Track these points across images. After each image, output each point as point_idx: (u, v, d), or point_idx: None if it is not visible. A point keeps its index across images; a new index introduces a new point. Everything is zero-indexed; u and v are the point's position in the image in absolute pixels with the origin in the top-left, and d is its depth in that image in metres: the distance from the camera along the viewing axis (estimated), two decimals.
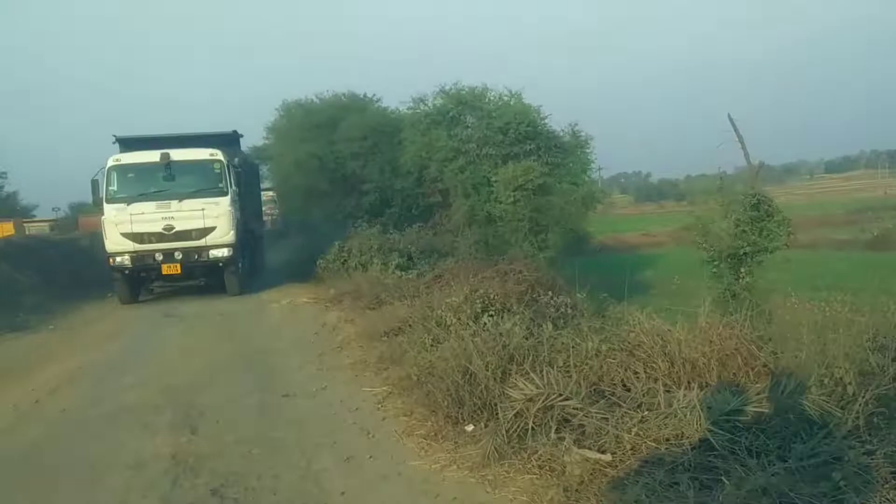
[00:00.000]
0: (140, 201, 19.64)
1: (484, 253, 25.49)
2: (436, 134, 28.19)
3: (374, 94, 35.01)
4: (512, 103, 28.67)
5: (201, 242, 19.71)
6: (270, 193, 37.86)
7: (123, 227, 19.51)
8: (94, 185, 20.01)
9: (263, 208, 34.94)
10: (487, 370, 7.79)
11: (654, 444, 5.89)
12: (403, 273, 20.14)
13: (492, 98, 29.17)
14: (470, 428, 7.17)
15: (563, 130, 28.91)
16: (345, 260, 21.37)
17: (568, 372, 7.47)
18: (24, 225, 43.91)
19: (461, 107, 29.22)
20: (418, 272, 20.51)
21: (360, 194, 31.98)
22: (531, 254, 22.17)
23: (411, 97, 30.14)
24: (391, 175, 30.69)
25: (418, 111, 29.72)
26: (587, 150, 28.43)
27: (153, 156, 19.79)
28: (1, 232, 37.41)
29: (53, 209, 58.70)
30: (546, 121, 28.43)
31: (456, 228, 28.20)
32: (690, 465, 5.38)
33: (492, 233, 27.06)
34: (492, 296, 11.89)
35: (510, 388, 7.14)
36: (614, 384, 7.31)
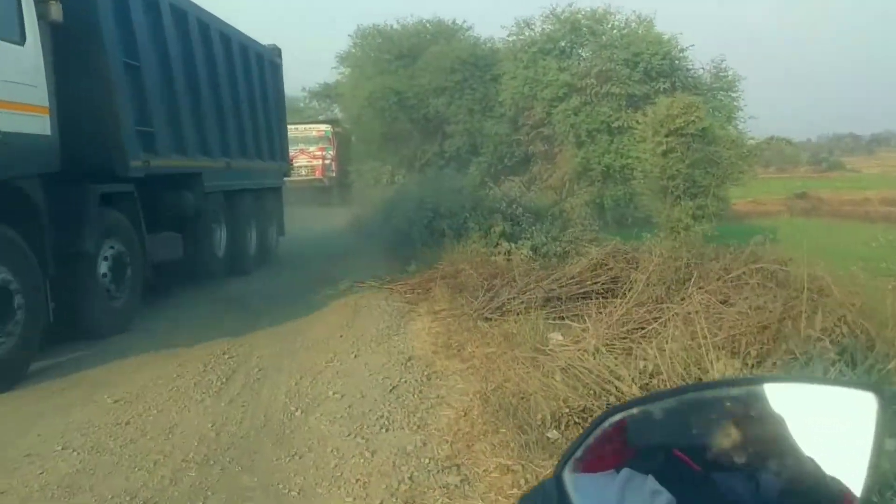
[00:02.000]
0: None
1: (598, 219, 18.81)
2: (543, 66, 21.24)
3: (463, 21, 28.09)
4: (640, 31, 21.51)
5: None
6: (323, 128, 29.19)
7: None
8: None
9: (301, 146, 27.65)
10: None
11: None
12: (513, 246, 13.58)
13: (616, 24, 22.01)
14: None
15: (703, 67, 21.67)
16: (429, 221, 14.78)
17: None
18: None
19: (575, 35, 22.16)
20: (534, 245, 13.92)
21: (443, 138, 25.40)
22: (685, 225, 15.29)
23: (514, 21, 23.11)
24: (481, 116, 23.99)
25: (522, 38, 22.73)
26: (733, 94, 21.12)
27: None
28: None
29: None
30: (685, 54, 21.19)
31: (560, 185, 21.43)
32: None
33: (613, 193, 20.21)
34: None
35: None
36: None
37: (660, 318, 6.46)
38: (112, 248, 8.06)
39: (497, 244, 13.44)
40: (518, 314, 7.87)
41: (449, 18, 28.04)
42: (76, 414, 5.57)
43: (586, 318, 7.31)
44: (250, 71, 13.33)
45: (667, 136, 15.31)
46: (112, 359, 6.92)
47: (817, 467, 0.98)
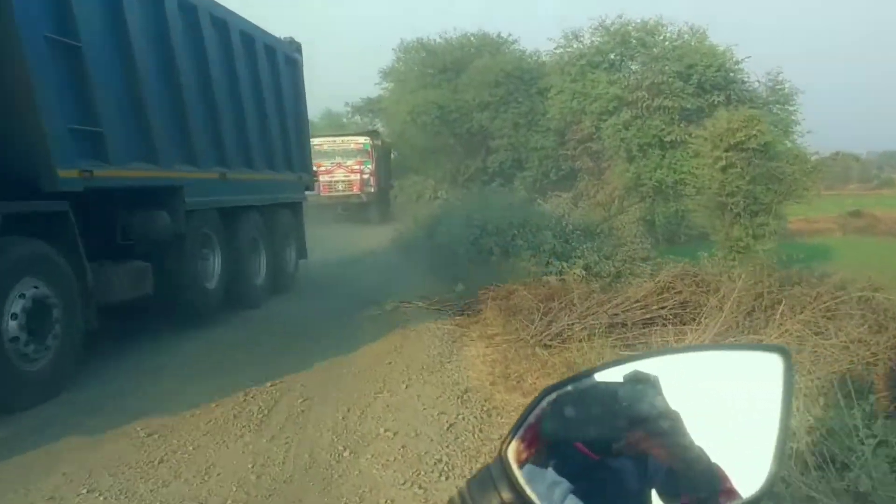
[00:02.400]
0: None
1: (649, 236, 18.07)
2: (592, 79, 20.61)
3: (508, 34, 27.64)
4: (693, 43, 20.78)
5: None
6: (361, 141, 26.44)
7: None
8: None
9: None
10: None
11: None
12: (564, 265, 12.92)
13: (667, 35, 21.30)
14: None
15: (758, 80, 20.83)
16: (475, 239, 14.19)
17: None
18: None
19: (624, 47, 21.50)
20: (587, 265, 13.25)
21: (486, 152, 24.92)
22: (745, 245, 14.50)
23: (561, 33, 22.54)
24: (526, 131, 23.51)
25: (570, 50, 22.13)
26: (791, 108, 20.24)
27: None
28: None
29: None
30: (740, 66, 20.38)
31: (609, 202, 20.73)
32: None
33: (665, 210, 19.44)
34: None
35: None
36: None
37: None
38: (28, 293, 5.92)
39: (548, 263, 12.83)
40: (580, 341, 7.24)
41: (493, 32, 27.61)
42: (107, 448, 5.08)
43: (659, 347, 6.68)
44: (256, 64, 11.03)
45: (726, 150, 14.59)
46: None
47: (702, 452, 0.99)
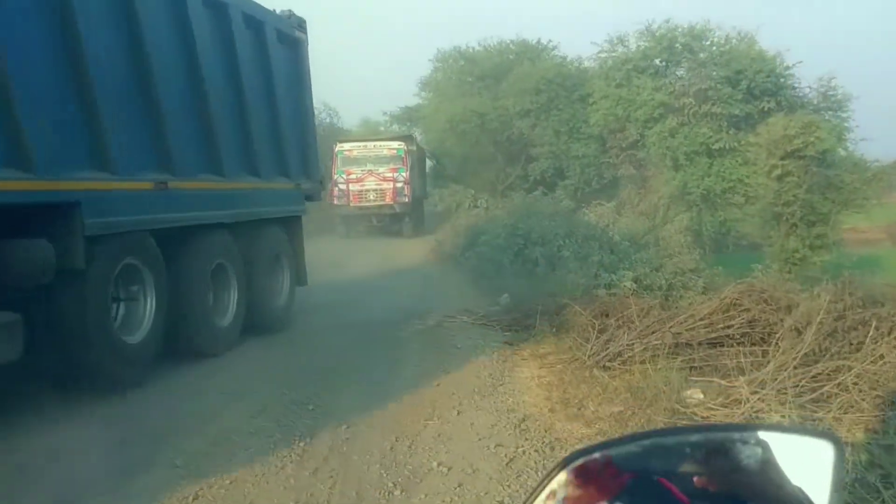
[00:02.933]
0: None
1: (696, 246, 17.39)
2: (638, 85, 19.99)
3: (549, 41, 27.08)
4: (741, 48, 20.04)
5: None
6: (395, 146, 24.03)
7: None
8: None
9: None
10: None
11: None
12: (612, 277, 12.35)
13: (715, 40, 20.59)
14: None
15: (809, 86, 20.01)
16: (520, 249, 13.67)
17: None
18: None
19: (670, 53, 20.83)
20: (636, 277, 12.66)
21: (527, 161, 24.40)
22: (801, 256, 13.78)
23: (606, 38, 21.91)
24: (568, 138, 22.91)
25: (614, 55, 21.51)
26: (843, 114, 19.38)
27: None
28: None
29: None
30: (791, 71, 19.60)
31: (653, 211, 20.06)
32: None
33: (712, 219, 18.72)
34: None
35: None
36: None
37: (834, 377, 5.20)
38: None
39: (596, 275, 12.27)
40: (643, 363, 6.70)
41: (533, 38, 27.08)
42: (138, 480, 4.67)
43: (731, 371, 6.11)
44: (229, 36, 8.34)
45: (782, 158, 13.89)
46: None
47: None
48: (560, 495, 1.08)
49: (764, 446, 1.04)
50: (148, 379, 6.73)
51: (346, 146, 24.50)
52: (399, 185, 23.74)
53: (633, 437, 1.20)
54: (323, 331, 9.41)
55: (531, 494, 1.09)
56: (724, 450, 1.06)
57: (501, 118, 24.32)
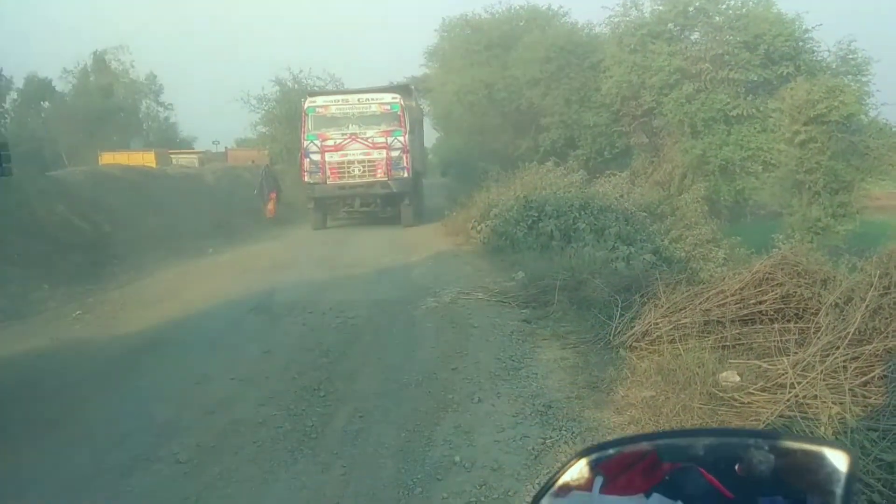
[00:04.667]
0: None
1: (713, 216, 16.94)
2: (653, 50, 19.33)
3: (559, 7, 26.35)
4: (759, 11, 19.31)
5: None
6: (388, 100, 18.27)
7: None
8: None
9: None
10: None
11: None
12: (631, 250, 11.91)
13: (732, 3, 19.85)
14: None
15: (828, 50, 19.30)
16: (533, 221, 13.20)
17: None
18: (171, 156, 38.47)
19: (684, 17, 20.12)
20: (655, 249, 12.23)
21: (537, 131, 23.81)
22: (823, 225, 13.28)
23: (618, 2, 21.14)
24: (579, 107, 22.28)
25: (627, 19, 20.81)
26: (864, 79, 18.67)
27: None
28: (142, 161, 31.95)
29: (213, 142, 53.89)
30: (810, 35, 18.89)
31: (667, 180, 19.52)
32: None
33: (730, 189, 18.18)
34: None
35: None
36: None
37: (886, 358, 4.78)
38: None
39: (613, 247, 11.84)
40: (672, 342, 6.29)
41: (543, 4, 26.34)
42: (135, 480, 4.32)
43: (768, 351, 5.69)
44: None
45: (805, 124, 13.32)
46: None
47: None
48: (595, 488, 1.13)
49: (778, 454, 1.05)
50: None
51: (320, 101, 18.32)
52: (395, 154, 17.66)
53: (646, 436, 1.30)
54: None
55: (544, 485, 1.15)
56: (737, 455, 1.08)
57: (510, 88, 23.65)
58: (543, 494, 1.14)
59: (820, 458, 1.03)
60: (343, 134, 17.80)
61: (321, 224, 18.62)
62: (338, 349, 6.99)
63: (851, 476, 1.01)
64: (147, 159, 33.69)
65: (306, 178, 18.05)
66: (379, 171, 17.71)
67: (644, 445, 1.20)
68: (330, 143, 17.71)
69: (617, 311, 7.27)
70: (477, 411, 5.21)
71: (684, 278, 7.86)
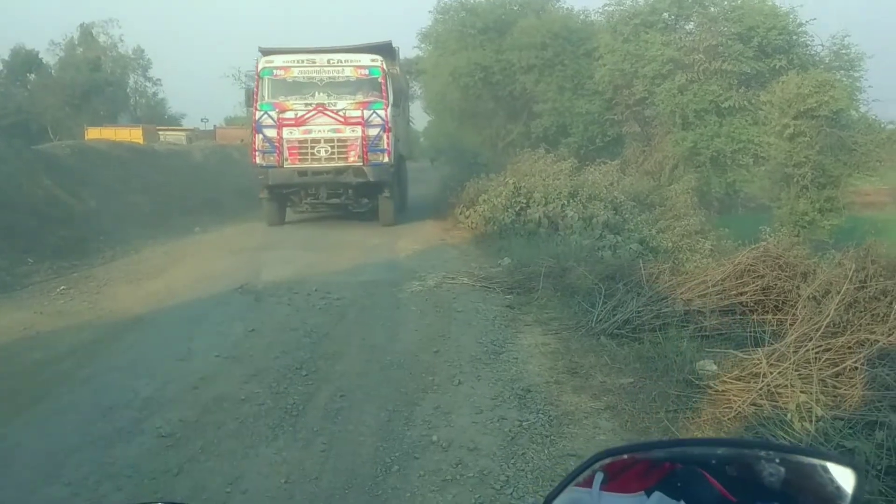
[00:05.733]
0: None
1: (703, 207, 17.10)
2: (646, 40, 19.42)
3: None
4: (754, 3, 19.43)
5: None
6: (365, 63, 14.66)
7: None
8: None
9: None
10: None
11: None
12: (618, 239, 12.06)
13: None
14: None
15: (822, 44, 19.45)
16: (521, 209, 13.31)
17: None
18: (159, 132, 38.34)
19: (679, 7, 20.22)
20: (642, 238, 12.38)
21: (529, 117, 23.90)
22: (810, 219, 13.47)
23: None
24: (572, 95, 22.37)
25: (621, 8, 20.88)
26: (856, 74, 18.84)
27: None
28: (129, 137, 31.82)
29: (202, 120, 53.71)
30: (804, 28, 19.02)
31: (658, 170, 19.69)
32: None
33: (721, 181, 18.35)
34: None
35: None
36: None
37: (858, 350, 4.94)
38: None
39: (601, 236, 11.99)
40: (653, 331, 6.45)
41: None
42: (118, 451, 4.43)
43: (746, 342, 5.85)
44: None
45: (795, 118, 13.47)
46: None
47: None
48: (595, 485, 1.15)
49: (787, 466, 1.06)
50: None
51: (279, 61, 14.70)
52: (373, 132, 14.27)
53: (661, 444, 1.32)
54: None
55: (559, 485, 1.17)
56: (747, 466, 1.08)
57: (505, 72, 23.70)
58: (555, 496, 1.15)
59: (826, 473, 1.03)
60: (307, 104, 14.30)
61: (277, 219, 15.40)
62: (322, 329, 7.11)
63: (858, 494, 1.00)
64: (134, 135, 33.54)
65: (257, 160, 14.35)
66: (352, 153, 14.28)
67: (657, 453, 1.21)
68: (290, 115, 14.21)
69: (600, 298, 7.42)
70: (457, 393, 5.35)
71: (668, 268, 8.02)
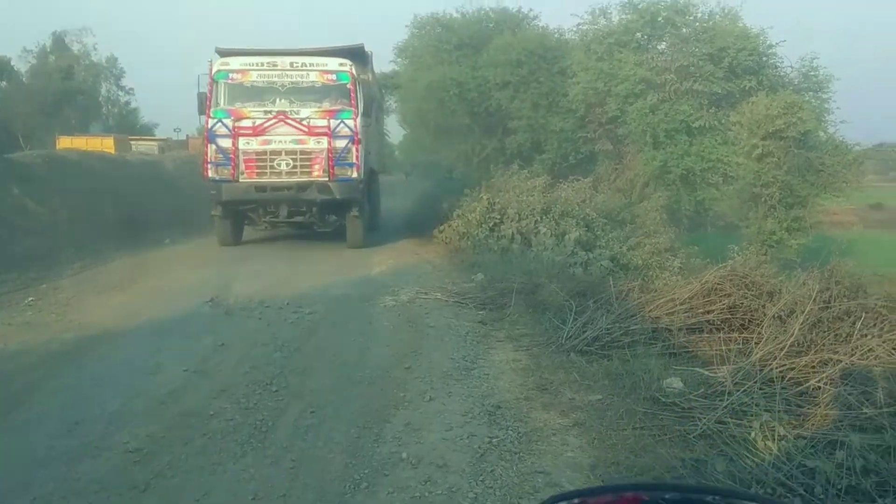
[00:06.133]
0: None
1: (673, 225, 17.29)
2: (619, 59, 19.67)
3: (529, 10, 26.62)
4: (725, 24, 19.78)
5: None
6: (332, 68, 13.36)
7: None
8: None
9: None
10: None
11: None
12: (590, 256, 12.18)
13: (699, 16, 20.30)
14: None
15: (791, 66, 19.84)
16: (495, 224, 13.39)
17: None
18: (130, 142, 37.99)
19: (652, 27, 20.51)
20: (613, 255, 12.51)
21: (504, 133, 24.04)
22: (777, 239, 13.70)
23: (587, 10, 21.52)
24: (546, 112, 22.52)
25: (595, 28, 21.14)
26: (824, 96, 19.22)
27: None
28: (101, 147, 31.50)
29: (175, 130, 53.31)
30: (774, 50, 19.40)
31: (630, 188, 19.90)
32: None
33: (690, 199, 18.58)
34: None
35: None
36: None
37: (821, 370, 5.04)
38: None
39: (573, 252, 12.09)
40: (621, 348, 6.52)
41: (513, 7, 26.60)
42: (85, 466, 4.38)
43: (712, 359, 5.94)
44: None
45: (763, 138, 13.73)
46: None
47: None
48: None
49: None
50: None
51: (236, 63, 13.43)
52: (341, 143, 13.00)
53: (610, 488, 1.34)
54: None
55: None
56: None
57: (480, 88, 23.82)
58: None
59: None
60: (267, 112, 13.00)
61: (231, 238, 14.04)
62: (293, 344, 7.09)
63: None
64: (106, 144, 33.22)
65: (210, 174, 13.01)
66: (316, 167, 12.98)
67: (607, 497, 1.24)
68: (247, 123, 12.85)
69: (571, 315, 7.48)
70: (427, 409, 5.36)
71: (637, 286, 8.12)
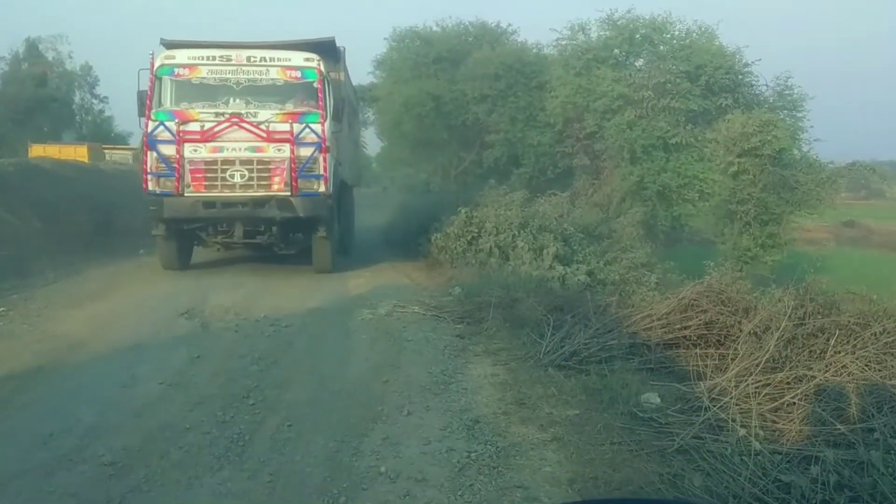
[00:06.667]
0: None
1: (649, 240, 17.43)
2: (598, 75, 19.87)
3: (508, 24, 26.85)
4: (702, 42, 20.08)
5: None
6: (297, 65, 11.51)
7: None
8: None
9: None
10: None
11: None
12: (567, 270, 12.24)
13: (676, 34, 20.60)
14: None
15: (766, 84, 20.19)
16: (472, 238, 13.43)
17: None
18: (105, 151, 37.63)
19: (630, 44, 20.77)
20: (590, 270, 12.58)
21: (481, 147, 24.15)
22: (752, 255, 13.88)
23: (566, 25, 21.74)
24: (524, 126, 22.67)
25: (574, 43, 21.35)
26: (798, 114, 19.56)
27: None
28: (74, 155, 31.22)
29: None
30: (750, 69, 19.73)
31: (607, 203, 20.06)
32: None
33: (667, 215, 18.77)
34: None
35: None
36: None
37: (795, 386, 5.12)
38: None
39: (551, 267, 12.15)
40: (599, 363, 6.58)
41: (492, 21, 26.78)
42: (59, 479, 4.34)
43: (689, 375, 6.01)
44: None
45: (739, 156, 13.95)
46: None
47: None
48: None
49: None
50: None
51: (182, 57, 11.66)
52: (305, 152, 11.29)
53: (591, 503, 1.98)
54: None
55: None
56: None
57: (457, 102, 23.93)
58: None
59: None
60: (218, 114, 11.26)
61: (177, 262, 12.19)
62: (270, 357, 7.06)
63: None
64: (79, 153, 32.92)
65: (149, 186, 11.17)
66: (276, 179, 11.24)
67: None
68: (194, 127, 11.09)
69: (548, 330, 7.53)
70: (406, 424, 5.37)
71: (615, 301, 8.19)
